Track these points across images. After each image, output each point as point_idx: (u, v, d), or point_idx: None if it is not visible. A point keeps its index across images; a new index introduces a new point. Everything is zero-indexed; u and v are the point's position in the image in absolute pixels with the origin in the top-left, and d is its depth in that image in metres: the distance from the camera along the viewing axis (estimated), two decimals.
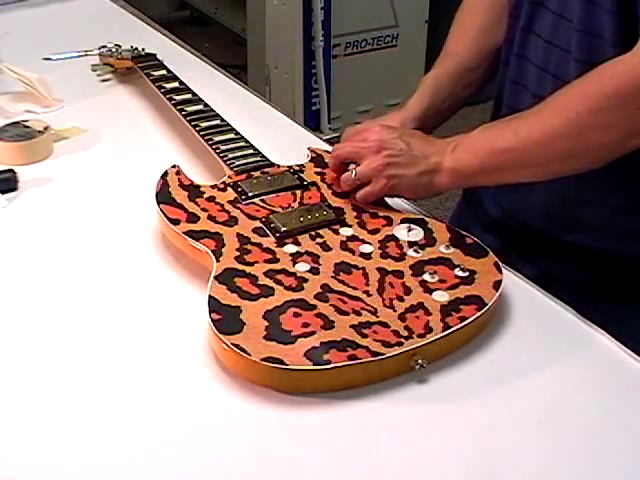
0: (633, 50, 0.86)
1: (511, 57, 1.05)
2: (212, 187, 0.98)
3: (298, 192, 0.98)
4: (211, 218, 0.92)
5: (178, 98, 1.18)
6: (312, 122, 2.82)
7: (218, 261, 0.86)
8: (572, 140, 0.89)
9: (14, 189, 1.07)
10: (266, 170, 1.02)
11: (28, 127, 1.16)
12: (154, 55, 1.35)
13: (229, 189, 0.98)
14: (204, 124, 1.11)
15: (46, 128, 1.15)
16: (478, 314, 0.81)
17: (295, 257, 0.87)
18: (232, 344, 0.76)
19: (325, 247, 0.89)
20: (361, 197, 0.96)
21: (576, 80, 0.90)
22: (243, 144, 1.07)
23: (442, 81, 1.11)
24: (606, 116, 0.87)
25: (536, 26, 1.01)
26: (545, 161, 0.93)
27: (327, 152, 1.08)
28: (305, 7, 2.68)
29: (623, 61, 0.87)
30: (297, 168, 1.03)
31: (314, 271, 0.85)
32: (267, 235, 0.90)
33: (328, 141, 1.21)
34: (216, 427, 0.74)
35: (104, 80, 1.36)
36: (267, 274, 0.84)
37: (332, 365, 0.74)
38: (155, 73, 1.27)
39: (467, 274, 0.85)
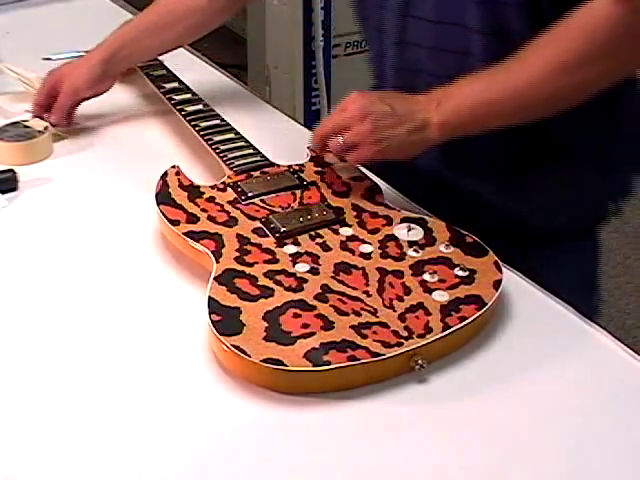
0: None
1: (389, 48, 1.06)
2: (212, 187, 0.98)
3: (298, 192, 0.98)
4: (211, 219, 0.92)
5: (178, 98, 1.18)
6: (312, 122, 2.81)
7: (218, 262, 0.86)
8: (559, 82, 0.90)
9: (14, 189, 1.07)
10: (266, 170, 1.02)
11: (28, 127, 1.16)
12: None
13: (229, 189, 0.98)
14: (204, 124, 1.11)
15: (46, 128, 1.15)
16: (478, 314, 0.81)
17: (295, 257, 0.87)
18: (232, 345, 0.76)
19: (325, 247, 0.89)
20: (353, 160, 0.96)
21: (552, 28, 0.90)
22: (243, 144, 1.07)
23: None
24: (594, 54, 0.88)
25: (414, 10, 1.02)
26: (534, 105, 0.93)
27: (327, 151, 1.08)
28: (305, 7, 2.68)
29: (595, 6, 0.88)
30: (297, 168, 1.03)
31: (314, 271, 0.85)
32: (267, 235, 0.90)
33: None
34: (216, 427, 0.74)
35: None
36: (267, 275, 0.84)
37: (332, 366, 0.74)
38: (155, 73, 1.27)
39: (467, 274, 0.85)
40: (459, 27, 0.98)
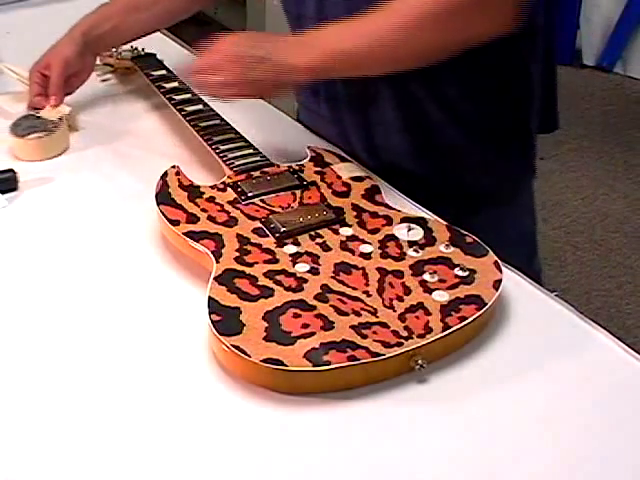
0: None
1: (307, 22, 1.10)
2: (212, 187, 0.98)
3: (298, 192, 0.98)
4: (211, 219, 0.92)
5: (178, 98, 1.18)
6: None
7: (218, 262, 0.86)
8: (411, 41, 0.95)
9: (14, 189, 1.07)
10: (266, 170, 1.02)
11: (41, 118, 1.16)
12: (154, 55, 1.35)
13: (229, 189, 0.98)
14: (203, 124, 1.11)
15: (61, 118, 1.16)
16: (478, 314, 0.81)
17: (295, 257, 0.87)
18: (232, 345, 0.76)
19: (325, 247, 0.89)
20: (224, 97, 1.04)
21: None
22: (243, 144, 1.07)
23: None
24: (445, 18, 0.94)
25: None
26: (395, 55, 0.98)
27: (327, 151, 1.08)
28: None
29: None
30: (297, 168, 1.03)
31: (314, 271, 0.85)
32: (267, 235, 0.90)
33: None
34: (216, 427, 0.74)
35: (104, 80, 1.36)
36: (267, 275, 0.84)
37: (332, 366, 0.74)
38: (155, 73, 1.27)
39: (467, 274, 0.85)
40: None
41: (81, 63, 1.21)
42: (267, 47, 0.98)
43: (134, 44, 1.35)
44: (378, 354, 0.76)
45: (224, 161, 1.03)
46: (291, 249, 0.88)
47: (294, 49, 0.98)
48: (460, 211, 1.01)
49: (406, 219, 0.94)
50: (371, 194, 0.98)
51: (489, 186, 1.14)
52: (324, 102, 1.18)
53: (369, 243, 0.90)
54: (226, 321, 0.78)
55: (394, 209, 0.96)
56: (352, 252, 0.89)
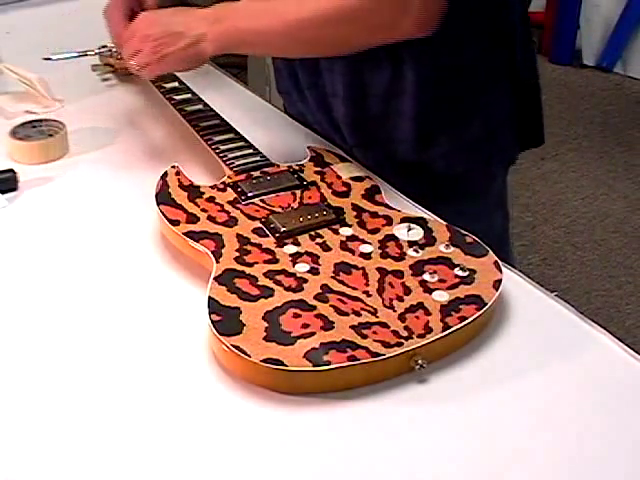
0: None
1: None
2: (212, 187, 0.98)
3: (298, 192, 0.98)
4: (211, 219, 0.92)
5: (178, 98, 1.18)
6: None
7: (218, 262, 0.86)
8: (321, 30, 0.98)
9: (14, 189, 1.07)
10: (266, 170, 1.02)
11: (42, 126, 1.16)
12: None
13: (229, 189, 0.98)
14: (204, 124, 1.11)
15: (61, 122, 1.16)
16: (478, 314, 0.81)
17: (295, 257, 0.87)
18: (232, 345, 0.76)
19: (325, 247, 0.89)
20: (146, 76, 1.09)
21: None
22: (243, 144, 1.07)
23: None
24: (350, 12, 0.96)
25: None
26: (299, 43, 1.02)
27: (327, 151, 1.08)
28: None
29: None
30: (297, 168, 1.03)
31: (314, 271, 0.85)
32: (267, 235, 0.90)
33: None
34: (216, 427, 0.74)
35: (104, 80, 1.36)
36: (267, 275, 0.84)
37: (332, 366, 0.74)
38: None
39: (467, 274, 0.85)
40: None
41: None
42: (174, 21, 1.03)
43: None
44: (378, 354, 0.76)
45: (224, 161, 1.03)
46: (291, 249, 0.88)
47: (200, 22, 1.02)
48: (428, 198, 1.03)
49: (406, 219, 0.94)
50: (371, 194, 0.98)
51: (459, 176, 1.13)
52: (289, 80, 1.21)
53: (369, 243, 0.90)
54: (226, 321, 0.78)
55: (394, 209, 0.96)
56: (352, 252, 0.89)
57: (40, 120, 1.18)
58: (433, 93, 1.07)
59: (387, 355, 0.76)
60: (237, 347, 0.75)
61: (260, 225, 0.92)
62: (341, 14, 0.96)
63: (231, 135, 1.09)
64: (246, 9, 1.02)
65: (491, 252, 0.88)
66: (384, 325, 0.79)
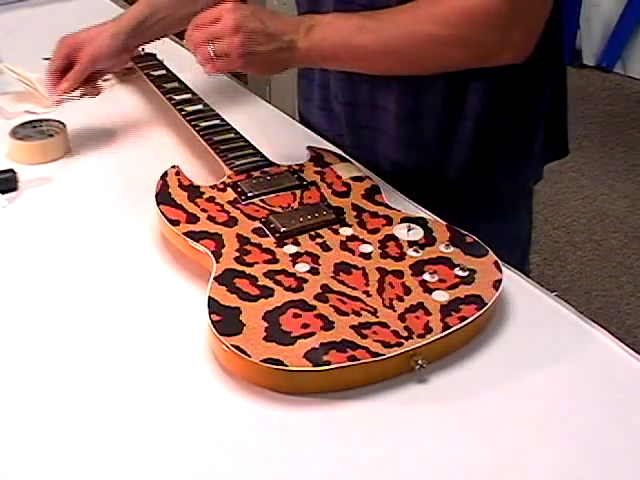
0: None
1: (330, 3, 1.09)
2: (212, 187, 0.98)
3: (298, 192, 0.98)
4: (211, 219, 0.92)
5: (178, 98, 1.18)
6: None
7: (218, 262, 0.86)
8: (420, 51, 0.96)
9: (14, 189, 1.07)
10: (266, 170, 1.02)
11: (42, 126, 1.16)
12: (154, 55, 1.35)
13: (229, 189, 0.98)
14: (204, 124, 1.11)
15: (62, 123, 1.16)
16: (478, 314, 0.81)
17: (295, 257, 0.87)
18: (232, 345, 0.76)
19: (325, 247, 0.89)
20: (215, 69, 0.97)
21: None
22: (243, 144, 1.07)
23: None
24: (457, 33, 0.94)
25: None
26: (394, 62, 0.98)
27: (327, 151, 1.08)
28: None
29: None
30: (297, 168, 1.03)
31: (314, 271, 0.85)
32: (267, 235, 0.90)
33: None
34: (216, 427, 0.74)
35: (104, 80, 1.36)
36: (267, 275, 0.84)
37: (332, 366, 0.74)
38: (155, 73, 1.27)
39: (467, 273, 0.85)
40: None
41: (114, 61, 1.19)
42: (268, 21, 0.96)
43: None
44: (378, 354, 0.76)
45: (224, 161, 1.03)
46: (291, 249, 0.88)
47: (295, 28, 0.96)
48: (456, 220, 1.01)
49: (406, 219, 0.94)
50: (371, 194, 0.98)
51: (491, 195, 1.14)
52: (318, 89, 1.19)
53: (369, 243, 0.90)
54: (226, 321, 0.78)
55: (394, 209, 0.96)
56: (352, 252, 0.89)
57: (40, 120, 1.18)
58: (492, 120, 1.08)
59: (387, 355, 0.76)
60: (237, 347, 0.75)
61: (260, 225, 0.92)
62: (446, 39, 0.94)
63: (231, 135, 1.09)
64: (343, 21, 0.97)
65: (491, 252, 0.88)
66: (384, 325, 0.79)
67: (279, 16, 0.98)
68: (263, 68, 0.99)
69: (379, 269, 0.86)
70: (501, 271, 0.86)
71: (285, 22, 0.97)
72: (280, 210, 0.94)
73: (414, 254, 0.88)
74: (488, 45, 0.95)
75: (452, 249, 0.89)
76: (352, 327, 0.78)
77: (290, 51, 0.96)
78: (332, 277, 0.85)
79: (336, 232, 0.92)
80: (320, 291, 0.83)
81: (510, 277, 0.90)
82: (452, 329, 0.79)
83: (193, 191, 0.97)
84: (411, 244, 0.90)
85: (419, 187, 1.07)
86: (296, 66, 1.00)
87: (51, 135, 1.15)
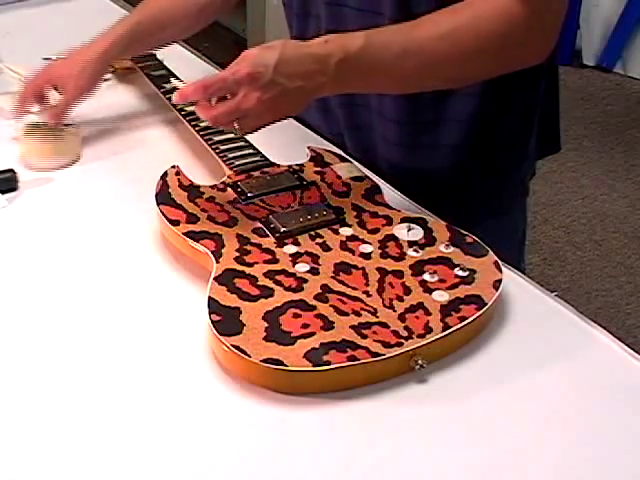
0: None
1: (322, 6, 1.10)
2: (212, 187, 0.98)
3: (298, 192, 0.98)
4: (211, 219, 0.92)
5: None
6: None
7: (218, 262, 0.86)
8: (457, 69, 0.95)
9: (14, 189, 1.07)
10: (266, 170, 1.02)
11: (53, 127, 1.16)
12: (154, 55, 1.34)
13: (229, 189, 0.98)
14: (204, 124, 1.11)
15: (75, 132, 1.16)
16: (478, 314, 0.81)
17: (295, 257, 0.87)
18: (232, 345, 0.76)
19: (325, 247, 0.89)
20: (247, 128, 0.91)
21: (455, 14, 0.93)
22: (242, 144, 1.07)
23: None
24: (487, 48, 0.93)
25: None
26: (423, 85, 0.99)
27: (327, 151, 1.08)
28: None
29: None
30: (297, 168, 1.03)
31: (314, 271, 0.85)
32: (267, 235, 0.90)
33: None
34: (216, 428, 0.74)
35: (104, 80, 1.36)
36: (267, 275, 0.84)
37: (332, 366, 0.74)
38: (155, 73, 1.27)
39: (467, 273, 0.85)
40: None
41: (93, 85, 1.17)
42: (299, 73, 0.88)
43: None
44: (378, 354, 0.76)
45: (224, 161, 1.03)
46: (291, 249, 0.88)
47: (323, 65, 0.89)
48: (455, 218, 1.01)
49: (406, 219, 0.94)
50: (371, 194, 0.98)
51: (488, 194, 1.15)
52: None
53: (369, 243, 0.90)
54: (226, 321, 0.78)
55: (394, 209, 0.96)
56: (352, 252, 0.89)
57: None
58: (489, 120, 1.09)
59: (387, 355, 0.76)
60: (237, 347, 0.75)
61: (260, 225, 0.92)
62: (489, 52, 0.93)
63: (231, 135, 1.08)
64: (372, 52, 0.91)
65: (491, 252, 0.88)
66: (384, 325, 0.79)
67: (304, 53, 0.90)
68: (293, 113, 0.95)
69: (379, 269, 0.86)
70: (501, 271, 0.86)
71: (312, 62, 0.89)
72: (280, 210, 0.94)
73: (414, 254, 0.88)
74: (520, 50, 0.95)
75: (452, 249, 0.89)
76: (352, 327, 0.78)
77: (318, 91, 0.92)
78: (332, 277, 0.85)
79: (336, 232, 0.92)
80: (320, 291, 0.83)
81: (510, 277, 0.90)
82: (452, 329, 0.79)
83: (193, 191, 0.97)
84: (411, 244, 0.90)
85: (417, 187, 1.07)
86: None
87: (63, 137, 1.14)
